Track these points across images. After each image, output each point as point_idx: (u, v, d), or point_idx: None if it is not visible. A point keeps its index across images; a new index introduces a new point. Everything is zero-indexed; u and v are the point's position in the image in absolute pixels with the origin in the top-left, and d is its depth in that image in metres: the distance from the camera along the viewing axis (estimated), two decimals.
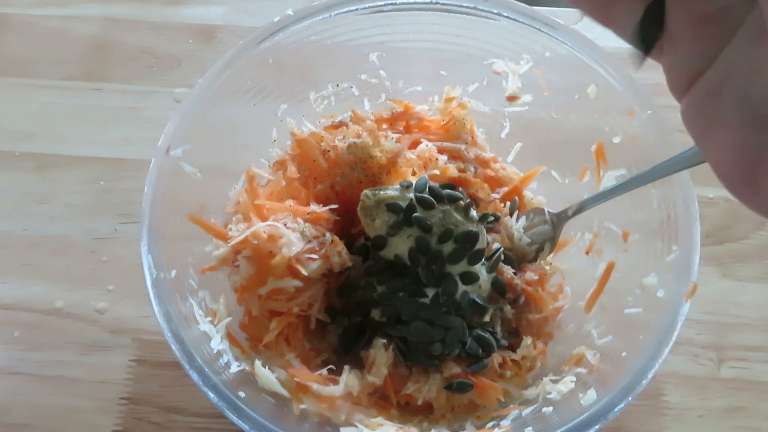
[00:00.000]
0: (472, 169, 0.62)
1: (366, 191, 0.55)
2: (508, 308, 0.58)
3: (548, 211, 0.60)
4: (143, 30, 0.83)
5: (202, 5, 0.85)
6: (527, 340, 0.56)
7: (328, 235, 0.54)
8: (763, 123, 0.24)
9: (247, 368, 0.50)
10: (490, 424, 0.51)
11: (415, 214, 0.53)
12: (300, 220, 0.55)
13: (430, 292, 0.53)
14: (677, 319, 0.48)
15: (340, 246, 0.54)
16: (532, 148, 0.65)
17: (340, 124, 0.61)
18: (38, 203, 0.72)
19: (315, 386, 0.50)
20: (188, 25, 0.83)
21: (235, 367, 0.49)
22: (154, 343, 0.64)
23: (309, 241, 0.53)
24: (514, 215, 0.61)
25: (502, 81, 0.63)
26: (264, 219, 0.54)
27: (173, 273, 0.51)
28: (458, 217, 0.53)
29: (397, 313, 0.54)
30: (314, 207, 0.56)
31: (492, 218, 0.59)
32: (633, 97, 0.56)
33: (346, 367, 0.52)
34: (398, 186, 0.54)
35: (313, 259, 0.52)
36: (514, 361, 0.55)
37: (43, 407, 0.61)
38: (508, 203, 0.62)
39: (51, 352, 0.64)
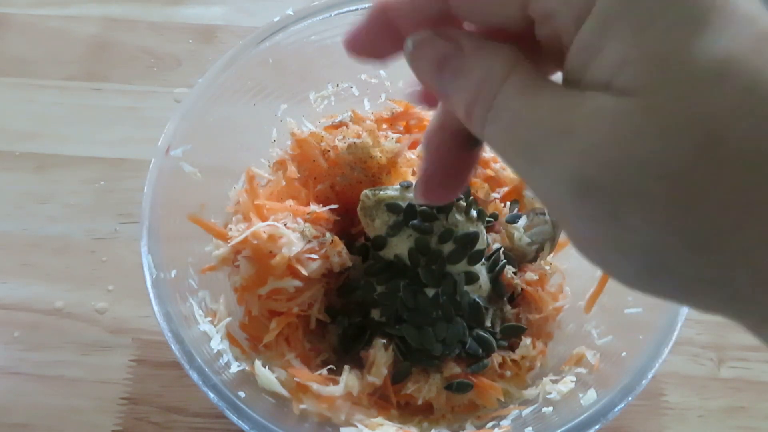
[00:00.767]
0: None
1: (366, 191, 0.54)
2: (508, 308, 0.58)
3: (548, 211, 0.60)
4: (143, 30, 0.83)
5: (202, 5, 0.85)
6: (527, 341, 0.56)
7: (328, 235, 0.54)
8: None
9: (247, 368, 0.50)
10: (490, 424, 0.51)
11: (413, 221, 0.53)
12: (300, 220, 0.55)
13: (430, 292, 0.53)
14: (677, 318, 0.48)
15: (340, 246, 0.54)
16: None
17: (340, 124, 0.61)
18: (38, 203, 0.72)
19: (315, 386, 0.50)
20: (188, 25, 0.83)
21: (235, 367, 0.49)
22: (154, 343, 0.64)
23: (309, 241, 0.53)
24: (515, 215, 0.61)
25: None
26: (264, 219, 0.54)
27: (173, 273, 0.51)
28: (459, 217, 0.53)
29: (397, 313, 0.54)
30: (314, 207, 0.56)
31: (491, 220, 0.59)
32: None
33: (346, 367, 0.52)
34: (398, 186, 0.54)
35: (313, 259, 0.52)
36: (513, 361, 0.55)
37: (43, 407, 0.61)
38: (508, 203, 0.62)
39: (51, 352, 0.64)
